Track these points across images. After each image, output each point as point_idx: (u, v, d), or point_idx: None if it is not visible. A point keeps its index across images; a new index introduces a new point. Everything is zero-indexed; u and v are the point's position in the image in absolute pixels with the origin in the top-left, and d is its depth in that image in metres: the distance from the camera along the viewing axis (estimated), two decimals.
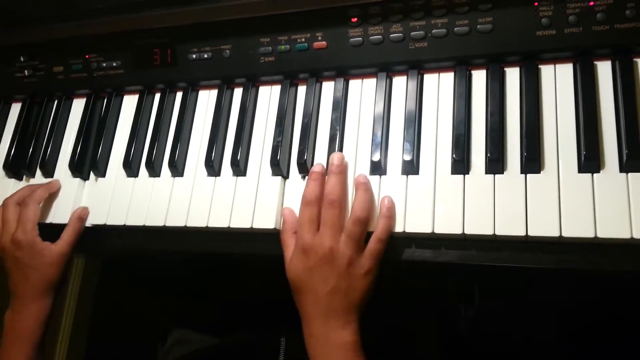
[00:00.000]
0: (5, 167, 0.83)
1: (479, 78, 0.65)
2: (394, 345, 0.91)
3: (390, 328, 0.93)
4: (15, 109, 0.88)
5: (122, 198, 0.75)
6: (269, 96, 0.74)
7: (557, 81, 0.62)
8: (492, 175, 0.60)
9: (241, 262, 0.92)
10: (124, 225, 0.73)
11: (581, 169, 0.58)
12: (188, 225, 0.70)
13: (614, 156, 0.57)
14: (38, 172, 0.82)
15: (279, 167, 0.69)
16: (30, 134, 0.84)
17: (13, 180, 0.83)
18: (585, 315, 1.21)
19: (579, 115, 0.59)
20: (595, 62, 0.62)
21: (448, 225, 0.60)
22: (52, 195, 0.78)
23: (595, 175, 0.57)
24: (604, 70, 0.61)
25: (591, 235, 0.55)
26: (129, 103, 0.82)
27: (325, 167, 0.65)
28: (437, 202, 0.61)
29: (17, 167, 0.83)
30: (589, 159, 0.57)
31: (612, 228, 0.55)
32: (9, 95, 0.88)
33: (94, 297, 1.55)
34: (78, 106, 0.84)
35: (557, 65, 0.63)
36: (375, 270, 0.61)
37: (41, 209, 0.76)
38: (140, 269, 1.47)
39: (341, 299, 0.60)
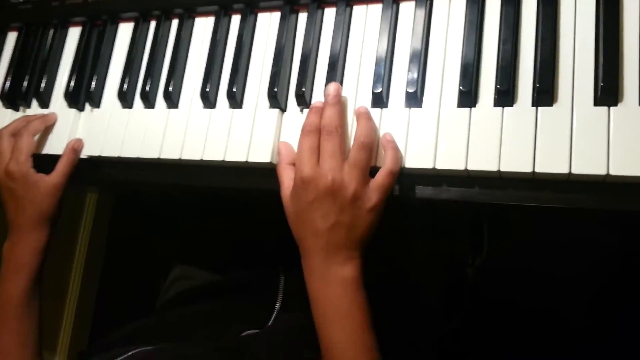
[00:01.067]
0: (2, 97, 0.81)
1: (493, 3, 0.60)
2: (397, 286, 0.90)
3: (395, 269, 0.92)
4: (12, 37, 0.86)
5: (117, 129, 0.73)
6: (268, 24, 0.70)
7: (577, 7, 0.57)
8: (501, 108, 0.56)
9: (243, 200, 0.91)
10: (119, 157, 0.71)
11: (597, 102, 0.53)
12: (182, 158, 0.68)
13: (634, 88, 0.53)
14: (34, 103, 0.80)
15: (276, 99, 0.65)
16: (26, 63, 0.82)
17: (10, 110, 0.81)
18: (606, 263, 1.19)
19: (599, 44, 0.54)
20: None
21: (450, 160, 0.57)
22: (48, 126, 0.76)
23: (612, 108, 0.52)
24: None
25: (603, 172, 0.51)
26: (125, 31, 0.78)
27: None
28: (440, 136, 0.58)
29: (13, 97, 0.81)
30: (606, 91, 0.52)
31: (628, 165, 0.51)
32: (5, 24, 0.86)
33: (107, 233, 1.58)
34: (74, 35, 0.81)
35: None
36: (382, 206, 0.57)
37: (37, 140, 0.74)
38: (149, 206, 1.49)
39: (343, 234, 0.56)
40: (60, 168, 0.72)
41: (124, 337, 0.67)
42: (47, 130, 0.76)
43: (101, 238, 1.57)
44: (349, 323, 0.56)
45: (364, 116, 0.59)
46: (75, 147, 0.72)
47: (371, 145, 0.57)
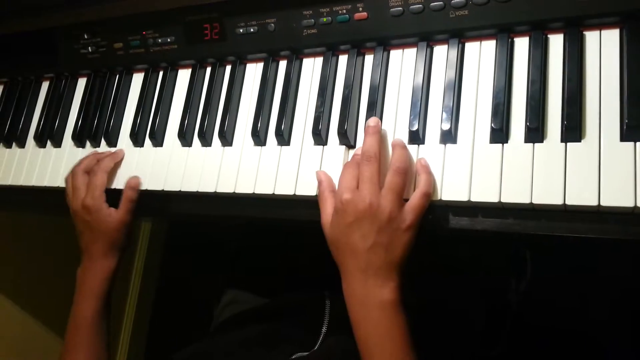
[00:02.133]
0: (73, 137, 0.90)
1: (521, 45, 0.65)
2: (440, 317, 0.93)
3: (437, 300, 0.94)
4: (82, 83, 0.95)
5: (177, 166, 0.80)
6: (312, 68, 0.76)
7: (602, 47, 0.60)
8: (532, 144, 0.60)
9: (291, 228, 0.97)
10: (179, 191, 0.78)
11: (623, 137, 0.56)
12: (236, 191, 0.74)
13: None
14: (103, 142, 0.88)
15: (320, 137, 0.71)
16: (94, 107, 0.90)
17: (81, 149, 0.90)
18: None
19: (623, 82, 0.58)
20: None
21: (485, 193, 0.61)
22: (116, 163, 0.84)
23: (638, 143, 0.55)
24: None
25: (631, 205, 0.54)
26: (183, 77, 0.86)
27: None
28: (475, 170, 0.62)
29: (84, 137, 0.89)
30: (632, 127, 0.55)
31: None
32: (75, 70, 0.95)
33: (161, 259, 1.66)
34: (137, 80, 0.90)
35: (602, 31, 0.61)
36: (416, 226, 0.61)
37: (132, 186, 0.80)
38: (202, 234, 1.57)
39: (381, 255, 0.59)
40: (122, 205, 0.79)
41: None
42: (116, 166, 0.84)
43: (155, 264, 1.66)
44: (389, 344, 0.59)
45: (399, 145, 0.64)
46: (133, 185, 0.80)
47: (405, 170, 0.62)
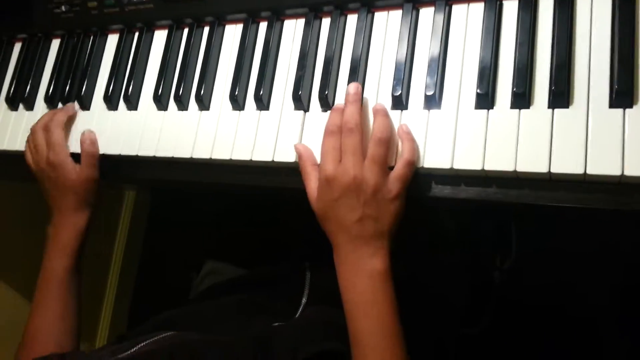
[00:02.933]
0: (46, 100, 0.87)
1: (510, 8, 0.62)
2: (422, 293, 0.92)
3: (419, 276, 0.93)
4: (55, 44, 0.91)
5: (152, 131, 0.77)
6: (293, 30, 0.73)
7: (593, 10, 0.58)
8: (518, 110, 0.58)
9: (270, 198, 0.95)
10: (154, 157, 0.75)
11: (612, 104, 0.54)
12: (213, 157, 0.72)
13: None
14: (76, 105, 0.85)
15: (300, 102, 0.68)
16: (67, 69, 0.87)
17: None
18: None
19: (614, 47, 0.55)
20: None
21: (468, 160, 0.59)
22: (70, 116, 0.82)
23: (627, 110, 0.53)
24: None
25: (618, 173, 0.52)
26: (160, 38, 0.82)
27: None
28: (458, 137, 0.60)
29: (56, 100, 0.86)
30: (621, 93, 0.53)
31: None
32: (49, 31, 0.91)
33: (145, 227, 1.65)
34: (112, 41, 0.86)
35: None
36: (403, 195, 0.60)
37: (89, 139, 0.79)
38: (185, 203, 1.55)
39: (370, 226, 0.59)
40: (83, 160, 0.77)
41: (155, 325, 0.71)
42: (70, 120, 0.82)
43: (139, 232, 1.64)
44: (375, 311, 0.59)
45: (380, 113, 0.62)
46: (88, 138, 0.78)
47: (387, 140, 0.60)
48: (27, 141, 0.82)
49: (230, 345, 0.58)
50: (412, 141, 0.60)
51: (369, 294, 0.59)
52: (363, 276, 0.59)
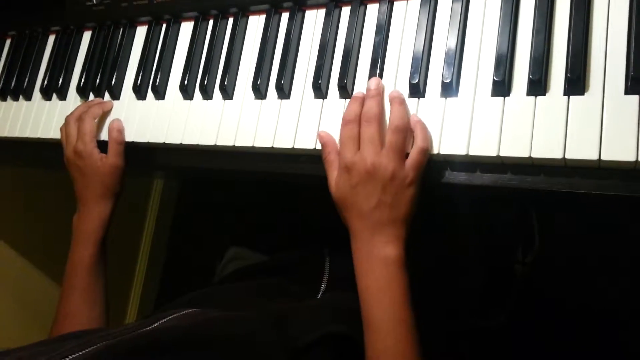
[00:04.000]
0: (78, 90, 0.91)
1: None
2: (440, 280, 0.93)
3: (441, 258, 0.94)
4: (87, 36, 0.95)
5: (179, 119, 0.80)
6: (314, 20, 0.75)
7: None
8: (534, 97, 0.59)
9: (292, 185, 0.97)
10: (181, 144, 0.78)
11: (628, 90, 0.54)
12: (236, 144, 0.74)
13: None
14: (107, 96, 0.88)
15: (320, 90, 0.70)
16: (98, 60, 0.90)
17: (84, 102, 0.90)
18: None
19: (631, 33, 0.55)
20: None
21: (484, 147, 0.59)
22: (106, 111, 0.85)
23: None
24: None
25: (633, 159, 0.53)
26: (186, 29, 0.85)
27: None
28: (475, 124, 0.61)
29: (87, 90, 0.90)
30: (637, 80, 0.53)
31: None
32: (81, 23, 0.95)
33: (173, 214, 1.69)
34: (141, 33, 0.89)
35: None
36: (418, 182, 0.61)
37: (116, 128, 0.82)
38: (211, 192, 1.58)
39: (386, 212, 0.60)
40: (111, 149, 0.80)
41: (178, 305, 0.73)
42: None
43: (167, 218, 1.69)
44: (388, 299, 0.60)
45: (397, 101, 0.63)
46: (116, 127, 0.81)
47: (405, 128, 0.61)
48: (60, 130, 0.85)
49: (251, 321, 0.60)
50: (425, 129, 0.62)
51: (383, 281, 0.60)
52: (378, 263, 0.60)
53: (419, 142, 0.61)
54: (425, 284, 0.87)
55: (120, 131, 0.81)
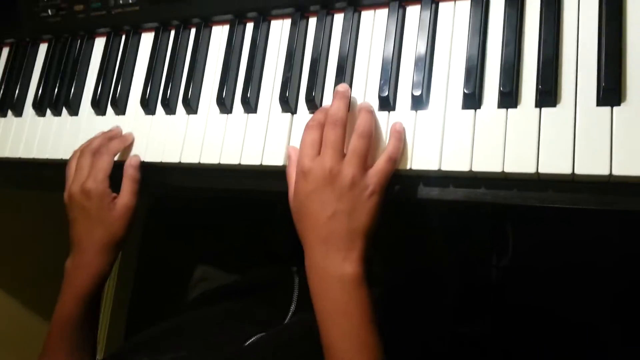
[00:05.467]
0: (34, 106, 0.86)
1: (497, 5, 0.61)
2: (416, 289, 0.91)
3: (414, 272, 0.93)
4: (43, 48, 0.91)
5: (140, 135, 0.76)
6: (280, 31, 0.72)
7: (581, 8, 0.57)
8: (505, 109, 0.57)
9: (259, 202, 0.94)
10: (143, 162, 0.75)
11: (600, 102, 0.53)
12: (201, 162, 0.71)
13: (638, 88, 0.53)
14: (64, 111, 0.84)
15: (288, 104, 0.68)
16: (55, 74, 0.86)
17: (42, 118, 0.86)
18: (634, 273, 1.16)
19: (601, 44, 0.54)
20: None
21: (456, 162, 0.58)
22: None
23: (615, 108, 0.53)
24: None
25: (606, 172, 0.52)
26: (147, 41, 0.82)
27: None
28: (446, 138, 0.59)
29: (44, 106, 0.85)
30: (608, 91, 0.52)
31: (631, 165, 0.51)
32: (36, 35, 0.90)
33: (140, 234, 1.64)
34: (99, 45, 0.85)
35: None
36: (381, 193, 0.57)
37: (133, 164, 0.73)
38: (180, 209, 1.54)
39: (343, 223, 0.55)
40: (127, 187, 0.71)
41: (139, 343, 0.68)
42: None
43: (135, 237, 1.63)
44: (347, 321, 0.55)
45: (364, 109, 0.61)
46: (134, 164, 0.72)
47: (370, 134, 0.58)
48: (70, 159, 0.74)
49: None
50: (399, 140, 0.59)
51: (341, 303, 0.55)
52: (334, 282, 0.55)
53: (388, 150, 0.58)
54: (400, 295, 0.85)
55: (137, 168, 0.71)
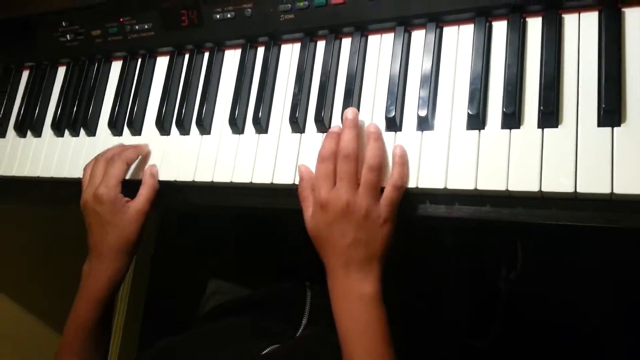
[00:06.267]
0: (52, 126, 0.89)
1: (499, 29, 0.63)
2: (426, 304, 0.92)
3: (424, 290, 0.94)
4: (61, 71, 0.94)
5: (155, 156, 0.79)
6: (290, 54, 0.75)
7: (581, 30, 0.59)
8: (508, 130, 0.59)
9: (273, 219, 0.96)
10: (158, 181, 0.77)
11: (600, 123, 0.55)
12: (214, 180, 0.73)
13: (638, 108, 0.54)
14: (82, 132, 0.87)
15: (297, 125, 0.70)
16: (73, 96, 0.89)
17: (60, 139, 0.89)
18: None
19: (601, 66, 0.56)
20: (623, 10, 0.58)
21: (461, 180, 0.60)
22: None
23: (615, 129, 0.54)
24: (633, 18, 0.57)
25: (608, 191, 0.53)
26: (162, 64, 0.85)
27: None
28: (451, 157, 0.61)
29: (62, 126, 0.88)
30: (609, 112, 0.54)
31: (632, 184, 0.52)
32: (54, 59, 0.94)
33: (153, 249, 1.67)
34: (116, 68, 0.89)
35: (581, 14, 0.59)
36: (393, 219, 0.62)
37: (151, 172, 0.76)
38: (193, 225, 1.56)
39: (361, 250, 0.60)
40: (143, 194, 0.74)
41: (153, 356, 0.71)
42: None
43: (147, 253, 1.66)
44: (367, 337, 0.60)
45: (373, 137, 0.63)
46: (153, 172, 0.75)
47: (380, 166, 0.61)
48: (84, 169, 0.78)
49: None
50: (403, 165, 0.62)
51: (362, 319, 0.60)
52: (355, 300, 0.60)
53: (394, 178, 0.61)
54: (412, 310, 0.87)
55: (154, 176, 0.74)
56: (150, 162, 0.79)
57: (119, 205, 0.72)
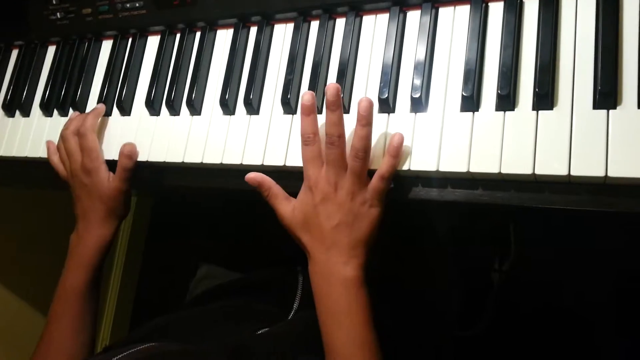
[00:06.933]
0: (41, 106, 0.88)
1: (496, 10, 0.62)
2: (417, 293, 0.92)
3: (413, 278, 0.93)
4: (51, 50, 0.92)
5: (145, 136, 0.78)
6: (283, 35, 0.74)
7: (578, 11, 0.58)
8: (502, 112, 0.58)
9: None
10: (147, 161, 0.76)
11: (596, 105, 0.54)
12: (204, 162, 0.72)
13: (633, 91, 0.54)
14: (71, 111, 0.85)
15: (289, 106, 0.69)
16: (62, 75, 0.88)
17: (49, 119, 0.87)
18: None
19: (598, 48, 0.55)
20: None
21: (453, 163, 0.59)
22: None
23: (611, 111, 0.53)
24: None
25: (602, 174, 0.52)
26: (153, 43, 0.83)
27: (314, 95, 0.62)
28: (444, 139, 0.60)
29: (51, 106, 0.87)
30: (604, 94, 0.53)
31: (626, 167, 0.52)
32: (45, 37, 0.92)
33: (146, 232, 1.66)
34: (106, 47, 0.87)
35: None
36: (379, 206, 0.61)
37: (126, 153, 0.75)
38: (185, 208, 1.55)
39: (346, 234, 0.60)
40: (117, 173, 0.75)
41: (145, 334, 0.70)
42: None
43: (140, 236, 1.66)
44: (349, 320, 0.59)
45: (360, 122, 0.59)
46: (127, 152, 0.75)
47: (365, 152, 0.60)
48: (58, 148, 0.80)
49: (206, 355, 0.59)
50: (395, 157, 0.60)
51: (343, 303, 0.59)
52: (337, 284, 0.60)
53: (382, 169, 0.60)
54: (402, 299, 0.86)
55: (130, 157, 0.75)
56: (140, 143, 0.77)
57: (102, 177, 0.75)
